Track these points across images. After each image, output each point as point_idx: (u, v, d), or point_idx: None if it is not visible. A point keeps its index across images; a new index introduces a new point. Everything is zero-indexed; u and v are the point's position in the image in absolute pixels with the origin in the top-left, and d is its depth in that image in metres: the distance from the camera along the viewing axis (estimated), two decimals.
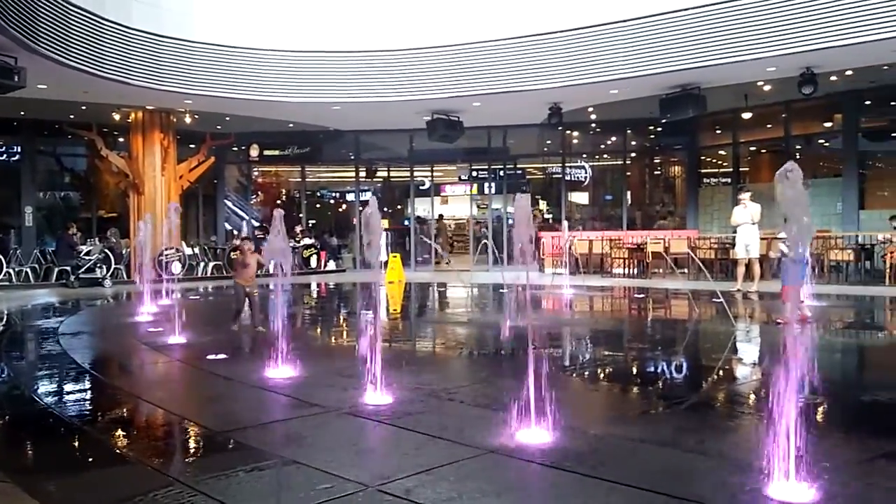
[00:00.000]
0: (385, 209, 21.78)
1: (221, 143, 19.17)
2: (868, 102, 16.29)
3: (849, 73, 13.91)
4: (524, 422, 4.11)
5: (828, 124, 17.51)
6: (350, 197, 23.41)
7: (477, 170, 21.70)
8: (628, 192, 21.07)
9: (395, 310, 12.27)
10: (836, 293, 12.43)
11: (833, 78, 14.01)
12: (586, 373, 6.62)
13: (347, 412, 4.80)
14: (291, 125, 18.64)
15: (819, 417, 4.93)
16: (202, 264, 18.05)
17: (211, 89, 14.84)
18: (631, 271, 16.59)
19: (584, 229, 20.07)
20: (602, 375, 6.49)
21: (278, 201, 23.79)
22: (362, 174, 21.65)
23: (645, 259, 16.21)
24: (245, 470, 3.68)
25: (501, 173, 21.02)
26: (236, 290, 8.86)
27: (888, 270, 13.64)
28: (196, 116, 17.20)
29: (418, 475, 3.55)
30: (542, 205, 24.39)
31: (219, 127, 18.62)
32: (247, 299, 8.74)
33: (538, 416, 4.10)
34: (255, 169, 22.63)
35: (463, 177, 23.36)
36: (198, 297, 14.17)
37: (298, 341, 7.92)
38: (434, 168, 21.48)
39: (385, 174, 23.07)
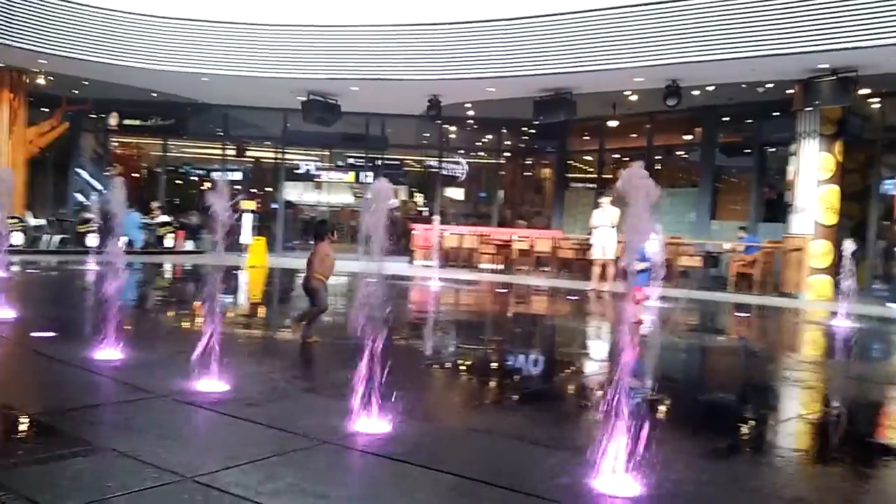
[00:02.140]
0: (253, 191, 21.04)
1: (78, 108, 17.84)
2: (726, 119, 17.36)
3: (710, 88, 14.74)
4: (366, 412, 3.98)
5: (688, 137, 18.52)
6: (216, 175, 22.40)
7: (354, 157, 21.37)
8: (501, 191, 21.45)
9: (248, 295, 11.80)
10: (684, 297, 13.14)
11: (695, 93, 14.80)
12: (437, 364, 6.58)
13: (179, 399, 4.48)
14: (155, 94, 17.59)
15: (656, 414, 5.11)
16: (49, 237, 16.69)
17: (67, 50, 13.75)
18: (498, 267, 16.89)
19: (457, 224, 20.23)
20: (454, 367, 6.48)
21: (136, 174, 22.38)
22: (231, 152, 20.78)
23: (511, 256, 16.52)
24: (55, 458, 3.33)
25: (378, 162, 20.81)
26: (321, 287, 6.80)
27: (732, 278, 14.60)
28: (51, 78, 15.91)
29: (242, 466, 3.33)
30: (419, 198, 24.41)
31: (76, 91, 17.31)
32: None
33: (382, 406, 3.98)
34: (114, 139, 21.18)
35: (339, 163, 22.95)
36: (37, 270, 13.07)
37: (138, 323, 7.42)
38: (308, 152, 20.98)
39: (256, 154, 22.25)
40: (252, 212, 16.61)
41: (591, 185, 20.16)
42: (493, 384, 5.96)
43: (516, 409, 5.06)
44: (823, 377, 7.09)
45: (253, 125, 20.74)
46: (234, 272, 13.32)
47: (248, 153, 21.72)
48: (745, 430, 4.85)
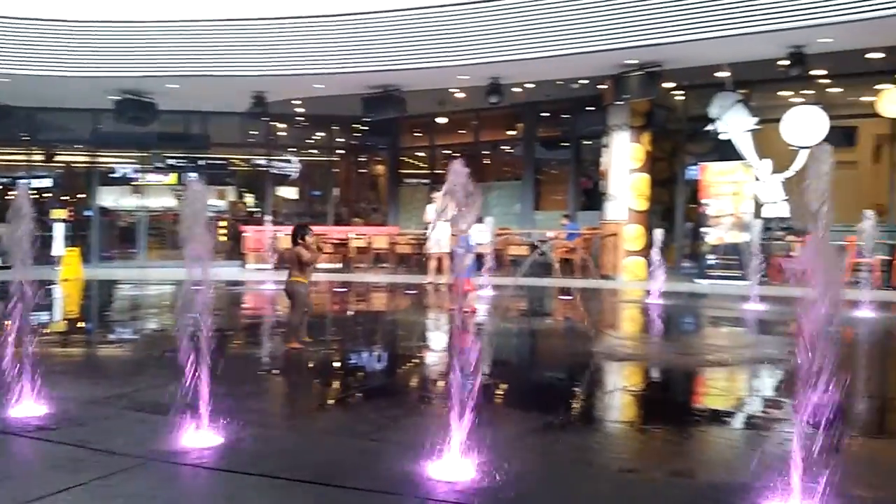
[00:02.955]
0: (65, 198, 19.40)
1: None
2: (545, 114, 18.26)
3: (529, 85, 15.42)
4: (192, 424, 3.78)
5: (511, 132, 19.32)
6: (22, 182, 20.38)
7: (175, 158, 20.25)
8: (336, 189, 21.25)
9: (61, 311, 10.88)
10: (514, 284, 13.69)
11: (516, 90, 15.43)
12: (274, 369, 6.42)
13: None
14: None
15: (490, 398, 5.28)
16: None
17: None
18: (336, 266, 16.73)
19: (291, 224, 19.78)
20: (292, 371, 6.34)
21: None
22: (39, 157, 19.03)
23: (348, 254, 16.43)
24: None
25: (202, 163, 19.85)
26: (302, 292, 6.76)
27: (556, 264, 15.41)
28: None
29: (58, 494, 3.06)
30: (249, 198, 23.62)
31: None
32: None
33: (215, 417, 3.80)
34: None
35: (159, 165, 21.66)
36: None
37: None
38: (124, 154, 19.63)
39: (66, 158, 20.50)
40: (64, 221, 15.31)
41: (424, 181, 20.47)
42: (331, 384, 5.90)
43: (354, 406, 5.05)
44: (642, 351, 7.67)
45: (62, 128, 19.08)
46: (48, 286, 12.22)
47: (58, 158, 19.97)
48: (573, 405, 5.14)
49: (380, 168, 22.64)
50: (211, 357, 3.79)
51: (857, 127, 15.28)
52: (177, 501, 3.19)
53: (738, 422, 4.73)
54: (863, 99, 14.31)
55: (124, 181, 19.83)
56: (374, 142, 20.46)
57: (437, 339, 8.43)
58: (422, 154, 20.93)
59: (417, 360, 6.97)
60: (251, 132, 20.34)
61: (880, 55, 12.38)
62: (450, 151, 20.55)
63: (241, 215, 22.34)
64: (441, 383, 3.50)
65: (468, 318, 8.66)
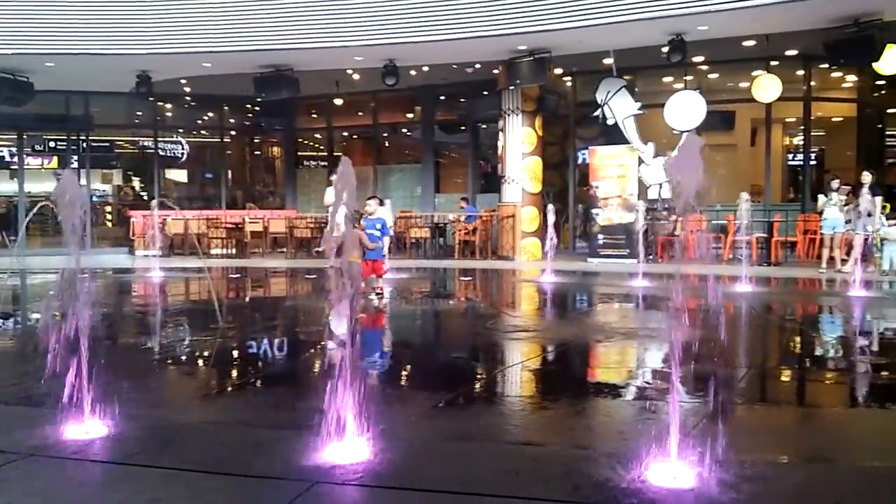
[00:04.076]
0: None
1: None
2: (442, 97, 18.36)
3: (426, 69, 15.46)
4: (77, 417, 3.64)
5: (410, 115, 19.32)
6: None
7: (55, 140, 19.15)
8: (229, 171, 20.66)
9: None
10: (416, 266, 13.78)
11: (413, 73, 15.43)
12: (161, 359, 6.22)
13: None
14: None
15: (391, 378, 5.33)
16: None
17: None
18: (230, 251, 16.30)
19: (182, 209, 19.11)
20: (180, 360, 6.17)
21: None
22: None
23: (243, 239, 16.04)
24: None
25: (85, 145, 18.86)
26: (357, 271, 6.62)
27: (457, 246, 15.61)
28: None
29: None
30: (136, 182, 22.68)
31: None
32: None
33: (99, 409, 3.66)
34: None
35: (38, 147, 20.42)
36: None
37: None
38: (1, 137, 18.39)
39: None
40: None
41: (323, 163, 20.22)
42: (226, 372, 5.77)
43: (249, 394, 4.98)
44: (539, 327, 7.91)
45: None
46: None
47: None
48: (470, 383, 5.25)
49: (276, 150, 22.17)
50: (95, 348, 3.65)
51: (734, 112, 16.23)
52: (57, 495, 3.06)
53: (628, 393, 4.97)
54: (740, 85, 15.18)
55: (1, 165, 18.59)
56: (268, 123, 19.99)
57: (335, 324, 8.38)
58: (319, 136, 20.65)
59: (314, 346, 6.90)
60: (137, 112, 19.47)
61: (753, 42, 13.16)
62: (348, 133, 20.38)
63: (129, 199, 21.43)
64: (338, 367, 3.52)
65: (376, 300, 8.69)
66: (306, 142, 21.08)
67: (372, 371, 5.37)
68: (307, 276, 12.52)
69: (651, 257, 12.36)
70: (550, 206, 11.93)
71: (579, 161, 16.45)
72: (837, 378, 5.57)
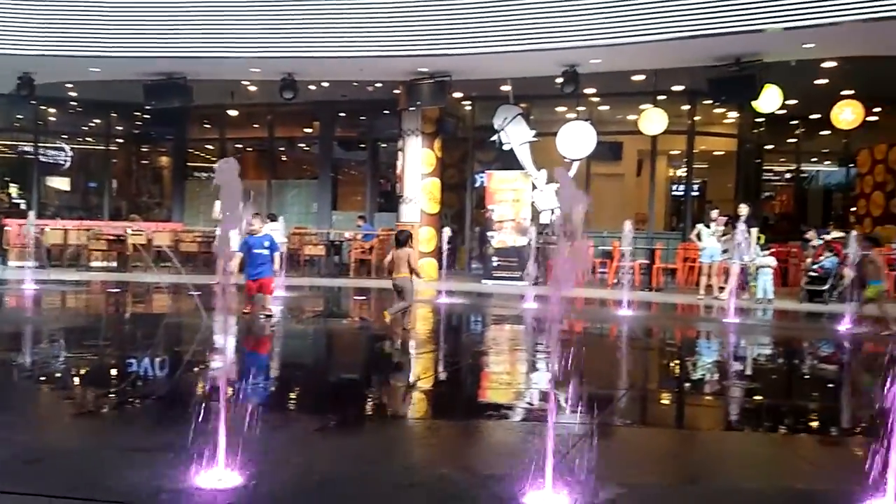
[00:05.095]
0: None
1: None
2: (342, 114, 18.25)
3: (325, 84, 15.34)
4: None
5: (308, 130, 19.09)
6: None
7: None
8: (114, 180, 19.74)
9: None
10: (309, 285, 13.54)
11: (311, 87, 15.28)
12: (35, 377, 5.82)
13: None
14: None
15: (274, 401, 5.18)
16: None
17: None
18: (111, 264, 15.52)
19: (62, 218, 18.07)
20: (43, 381, 5.78)
21: None
22: None
23: (126, 251, 15.29)
24: None
25: None
26: (409, 287, 7.97)
27: (352, 264, 15.46)
28: None
29: None
30: (13, 188, 21.27)
31: None
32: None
33: None
34: None
35: None
36: None
37: None
38: None
39: None
40: None
41: (214, 175, 19.57)
42: (101, 393, 5.45)
43: (123, 415, 4.72)
44: (432, 348, 7.92)
45: None
46: None
47: None
48: (356, 405, 5.17)
49: (164, 159, 21.34)
50: None
51: (622, 143, 16.95)
52: None
53: (513, 413, 5.02)
54: (629, 117, 15.87)
55: None
56: (158, 131, 19.19)
57: (218, 343, 8.09)
58: (211, 147, 20.04)
59: (190, 366, 6.62)
60: (17, 115, 18.33)
61: (642, 77, 13.81)
62: (242, 145, 19.89)
63: (4, 207, 20.09)
64: (214, 388, 3.36)
65: (262, 320, 8.45)
66: (197, 153, 20.39)
67: (254, 394, 5.20)
68: (192, 294, 12.05)
69: (541, 280, 12.67)
70: (447, 228, 12.04)
71: (477, 184, 16.71)
72: (710, 401, 5.86)
